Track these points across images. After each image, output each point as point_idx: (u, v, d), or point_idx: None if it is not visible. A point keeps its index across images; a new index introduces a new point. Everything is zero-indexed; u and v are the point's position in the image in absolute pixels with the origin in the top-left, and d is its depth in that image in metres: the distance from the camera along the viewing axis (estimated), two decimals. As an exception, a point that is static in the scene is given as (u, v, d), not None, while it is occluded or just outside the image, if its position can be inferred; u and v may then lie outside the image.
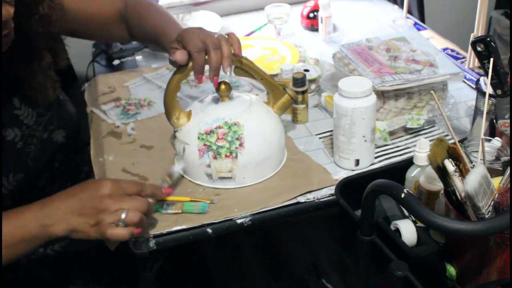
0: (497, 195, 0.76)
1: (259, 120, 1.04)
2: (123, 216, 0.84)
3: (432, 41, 1.40)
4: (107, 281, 1.13)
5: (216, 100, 1.06)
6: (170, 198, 1.03)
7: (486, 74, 0.92)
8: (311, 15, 1.64)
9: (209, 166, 1.02)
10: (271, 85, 1.07)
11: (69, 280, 1.09)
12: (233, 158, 1.01)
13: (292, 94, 1.09)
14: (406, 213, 0.90)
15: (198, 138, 1.01)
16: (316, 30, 1.61)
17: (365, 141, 1.05)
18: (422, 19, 1.76)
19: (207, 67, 0.98)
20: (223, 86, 1.04)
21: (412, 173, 0.96)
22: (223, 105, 1.05)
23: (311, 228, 1.18)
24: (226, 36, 0.98)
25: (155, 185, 0.95)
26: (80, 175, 1.25)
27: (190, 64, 0.98)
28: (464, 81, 1.34)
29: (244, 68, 1.03)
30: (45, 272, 1.09)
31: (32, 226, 0.86)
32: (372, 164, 1.10)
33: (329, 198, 1.02)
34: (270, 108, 1.08)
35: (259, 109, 1.06)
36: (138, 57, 1.59)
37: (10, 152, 1.02)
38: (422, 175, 0.94)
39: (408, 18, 1.66)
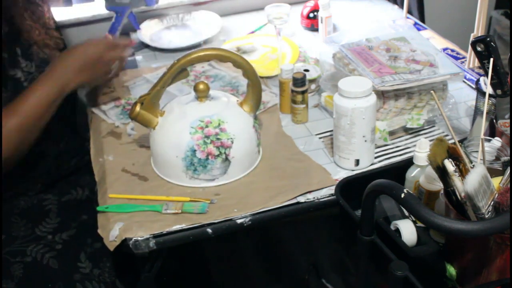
0: (497, 195, 0.75)
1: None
2: (114, 65, 1.19)
3: (432, 41, 1.40)
4: (111, 272, 1.14)
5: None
6: (170, 198, 1.03)
7: (486, 74, 0.92)
8: (311, 15, 1.64)
9: None
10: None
11: (74, 269, 1.11)
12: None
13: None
14: (406, 213, 0.90)
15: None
16: (316, 30, 1.61)
17: (365, 141, 1.05)
18: (422, 19, 1.76)
19: None
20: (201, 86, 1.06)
21: (412, 173, 0.96)
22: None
23: (311, 228, 1.18)
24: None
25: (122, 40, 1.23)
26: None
27: None
28: (464, 81, 1.34)
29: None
30: (51, 259, 1.12)
31: (55, 91, 1.09)
32: (372, 164, 1.10)
33: (329, 198, 1.02)
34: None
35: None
36: (138, 57, 1.59)
37: (16, 88, 1.14)
38: (422, 175, 0.94)
39: (408, 18, 1.66)
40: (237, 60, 1.05)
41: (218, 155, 1.03)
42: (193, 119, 1.03)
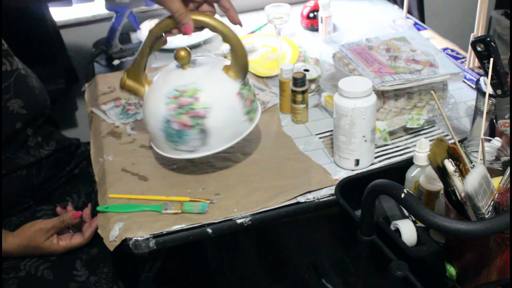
0: (497, 195, 0.75)
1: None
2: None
3: (432, 41, 1.40)
4: (108, 278, 1.13)
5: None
6: (169, 198, 1.03)
7: (486, 74, 0.92)
8: (311, 15, 1.64)
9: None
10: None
11: (70, 278, 1.09)
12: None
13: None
14: (406, 213, 0.90)
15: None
16: (316, 30, 1.61)
17: (365, 141, 1.05)
18: (422, 19, 1.76)
19: None
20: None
21: (412, 173, 0.96)
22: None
23: (311, 228, 1.18)
24: None
25: (67, 216, 1.10)
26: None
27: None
28: (464, 81, 1.34)
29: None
30: (46, 270, 1.10)
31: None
32: (372, 164, 1.10)
33: (329, 198, 1.02)
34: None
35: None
36: (138, 57, 1.59)
37: None
38: (422, 175, 0.94)
39: (408, 18, 1.66)
40: (211, 24, 1.01)
41: (193, 126, 0.99)
42: (169, 88, 1.00)
